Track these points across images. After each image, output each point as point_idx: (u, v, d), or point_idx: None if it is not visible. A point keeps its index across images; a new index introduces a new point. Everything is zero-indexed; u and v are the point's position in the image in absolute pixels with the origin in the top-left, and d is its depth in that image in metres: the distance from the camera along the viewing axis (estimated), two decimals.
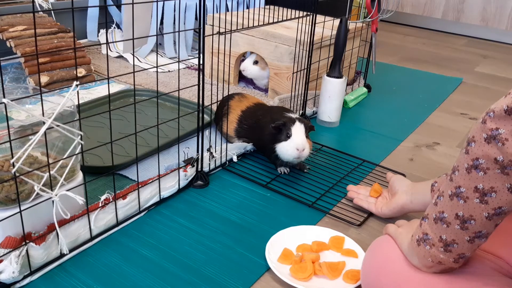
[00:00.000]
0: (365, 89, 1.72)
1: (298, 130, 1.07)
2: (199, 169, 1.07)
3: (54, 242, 0.78)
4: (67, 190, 0.76)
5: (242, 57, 1.62)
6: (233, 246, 0.88)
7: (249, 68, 1.56)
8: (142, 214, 0.95)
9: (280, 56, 1.47)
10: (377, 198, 1.01)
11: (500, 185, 0.53)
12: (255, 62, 1.55)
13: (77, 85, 0.71)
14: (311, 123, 1.11)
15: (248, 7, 2.08)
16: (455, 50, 2.61)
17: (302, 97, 1.41)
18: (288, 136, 1.07)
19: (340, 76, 1.37)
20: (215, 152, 1.11)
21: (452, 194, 0.58)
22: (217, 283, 0.79)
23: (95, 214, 0.85)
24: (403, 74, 2.06)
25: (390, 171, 1.16)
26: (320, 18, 1.42)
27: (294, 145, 1.06)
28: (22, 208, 0.72)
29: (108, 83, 0.80)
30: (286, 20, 1.26)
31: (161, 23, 1.89)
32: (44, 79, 1.44)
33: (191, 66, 1.86)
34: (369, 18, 1.58)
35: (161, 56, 1.95)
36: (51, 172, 0.74)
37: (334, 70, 1.37)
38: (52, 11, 1.72)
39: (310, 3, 1.29)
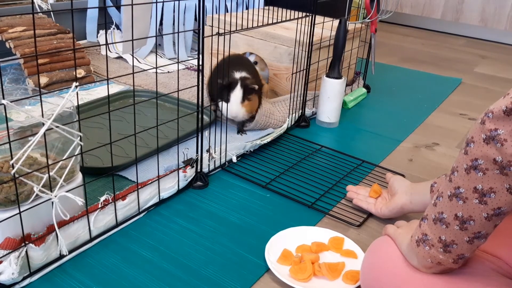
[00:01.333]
0: (364, 90, 1.72)
1: (235, 97, 1.21)
2: (199, 170, 1.07)
3: (53, 243, 0.78)
4: (67, 191, 0.76)
5: None
6: (232, 247, 0.88)
7: None
8: (142, 215, 0.95)
9: (280, 56, 1.47)
10: (376, 199, 1.01)
11: (499, 185, 0.53)
12: (255, 63, 1.55)
13: (76, 86, 0.71)
14: (253, 85, 1.21)
15: (247, 8, 2.08)
16: (454, 50, 2.61)
17: (302, 98, 1.41)
18: (227, 100, 1.21)
19: (339, 77, 1.37)
20: (215, 153, 1.11)
21: (451, 194, 0.58)
22: (216, 284, 0.79)
23: (95, 215, 0.85)
24: (402, 74, 2.06)
25: (389, 171, 1.16)
26: (319, 18, 1.42)
27: (228, 112, 1.22)
28: (21, 209, 0.72)
29: (108, 84, 0.80)
30: (286, 21, 1.26)
31: (161, 24, 1.89)
32: (43, 80, 1.44)
33: (191, 67, 1.86)
34: (368, 18, 1.58)
35: (161, 57, 1.95)
36: (51, 173, 0.74)
37: (334, 70, 1.37)
38: (51, 12, 1.72)
39: (309, 4, 1.29)
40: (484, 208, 0.55)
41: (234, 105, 1.21)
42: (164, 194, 0.99)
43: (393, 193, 0.97)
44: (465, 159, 0.55)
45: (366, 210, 1.00)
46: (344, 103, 1.58)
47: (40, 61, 1.44)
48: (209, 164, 1.10)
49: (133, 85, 0.87)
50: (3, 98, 0.63)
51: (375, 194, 1.02)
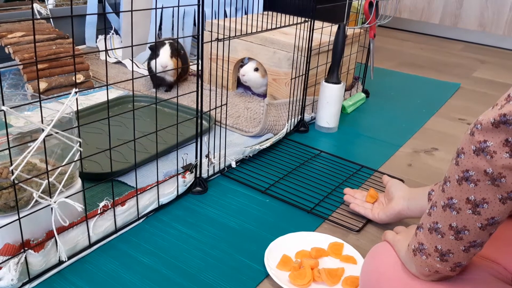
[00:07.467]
0: (363, 95, 1.72)
1: (164, 51, 1.46)
2: (198, 175, 1.07)
3: (52, 249, 0.78)
4: (66, 197, 0.76)
5: (241, 62, 1.62)
6: (231, 252, 0.88)
7: (249, 74, 1.55)
8: (141, 220, 0.95)
9: (279, 62, 1.48)
10: (373, 204, 1.02)
11: (492, 196, 0.53)
12: (256, 69, 1.55)
13: (76, 92, 0.71)
14: (180, 46, 1.51)
15: (246, 13, 2.08)
16: (452, 55, 2.62)
17: (301, 103, 1.41)
18: (157, 56, 1.46)
19: (338, 82, 1.38)
20: (214, 158, 1.11)
21: (444, 205, 0.58)
22: None
23: (94, 221, 0.85)
24: (401, 79, 2.07)
25: (388, 176, 1.16)
26: (318, 24, 1.42)
27: (159, 62, 1.45)
28: (21, 215, 0.72)
29: (107, 90, 0.80)
30: (285, 26, 1.26)
31: (160, 29, 1.90)
32: (42, 85, 1.44)
33: (190, 72, 1.86)
34: (367, 24, 1.59)
35: None
36: (50, 179, 0.74)
37: (332, 75, 1.38)
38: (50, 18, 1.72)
39: (308, 9, 1.30)
40: (478, 218, 0.55)
41: (164, 56, 1.45)
42: (163, 200, 0.99)
43: (390, 198, 0.97)
44: (457, 170, 0.55)
45: (363, 215, 1.00)
46: (343, 108, 1.58)
47: (39, 66, 1.44)
48: (208, 170, 1.10)
49: (133, 90, 0.87)
50: (3, 104, 0.63)
51: (372, 199, 1.02)
